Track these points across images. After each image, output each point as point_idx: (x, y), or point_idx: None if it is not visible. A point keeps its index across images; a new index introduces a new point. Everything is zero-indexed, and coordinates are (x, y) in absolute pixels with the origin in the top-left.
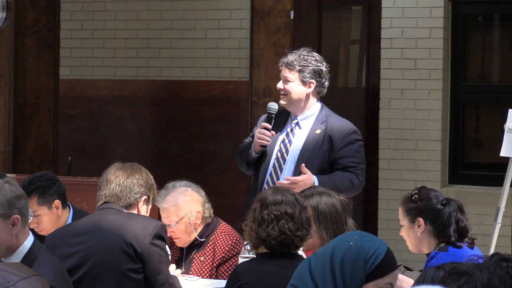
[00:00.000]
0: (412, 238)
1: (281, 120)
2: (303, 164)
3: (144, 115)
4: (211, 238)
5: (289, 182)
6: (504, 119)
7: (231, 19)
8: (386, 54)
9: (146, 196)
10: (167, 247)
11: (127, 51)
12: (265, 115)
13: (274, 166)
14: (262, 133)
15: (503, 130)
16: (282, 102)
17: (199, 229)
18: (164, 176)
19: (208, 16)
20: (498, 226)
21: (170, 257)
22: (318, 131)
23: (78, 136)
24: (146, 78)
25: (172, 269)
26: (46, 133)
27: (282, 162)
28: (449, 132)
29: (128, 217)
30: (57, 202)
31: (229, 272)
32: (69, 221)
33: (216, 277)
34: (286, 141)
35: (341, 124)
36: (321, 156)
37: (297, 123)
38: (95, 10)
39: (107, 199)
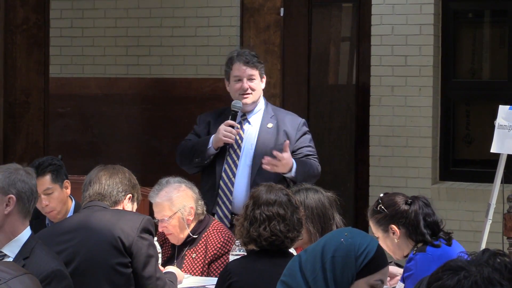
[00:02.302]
0: (391, 245)
1: (224, 118)
2: (287, 141)
3: (135, 113)
4: (203, 235)
5: (276, 157)
6: (494, 116)
7: (221, 16)
8: (377, 51)
9: (130, 194)
10: (157, 244)
11: (117, 49)
12: (203, 114)
13: (227, 162)
14: (229, 130)
15: (494, 126)
16: (247, 101)
17: (192, 225)
18: (155, 174)
19: (198, 14)
20: (489, 222)
21: (160, 254)
22: (270, 125)
23: (68, 134)
24: (136, 76)
25: (177, 270)
26: (36, 131)
27: (236, 158)
28: (440, 129)
29: (115, 213)
30: (66, 182)
31: (221, 269)
32: (71, 211)
33: (208, 274)
34: (237, 137)
35: (291, 117)
36: (279, 149)
37: (246, 119)
38: (84, 8)
39: (91, 198)
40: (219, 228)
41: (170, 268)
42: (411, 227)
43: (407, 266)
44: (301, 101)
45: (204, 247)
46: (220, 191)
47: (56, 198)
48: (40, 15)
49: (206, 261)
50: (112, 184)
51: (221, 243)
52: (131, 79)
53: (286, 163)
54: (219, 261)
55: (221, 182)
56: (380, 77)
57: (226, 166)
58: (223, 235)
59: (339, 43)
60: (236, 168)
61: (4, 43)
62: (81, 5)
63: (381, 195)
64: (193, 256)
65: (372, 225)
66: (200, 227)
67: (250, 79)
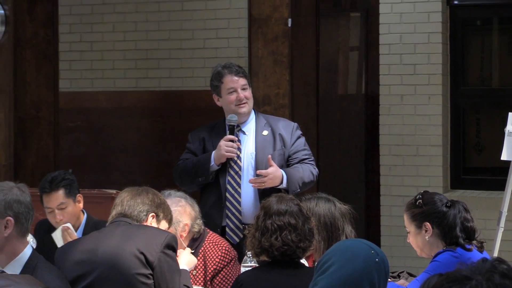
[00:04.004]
0: (420, 243)
1: (219, 131)
2: (270, 156)
3: (144, 126)
4: (200, 250)
5: (261, 176)
6: (504, 123)
7: (229, 28)
8: (385, 60)
9: (153, 213)
10: None
11: (126, 63)
12: (194, 131)
13: (230, 174)
14: (230, 145)
15: (504, 134)
16: (244, 110)
17: (185, 242)
18: (165, 186)
19: (206, 26)
20: (501, 230)
21: None
22: (265, 132)
23: (78, 148)
24: (145, 89)
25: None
26: (46, 146)
27: (237, 169)
28: (450, 137)
29: (140, 228)
30: (79, 196)
31: (224, 282)
32: (83, 224)
33: None
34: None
35: (284, 122)
36: (278, 154)
37: (240, 129)
38: (93, 23)
39: (113, 218)
40: (215, 241)
41: (182, 256)
42: (447, 229)
43: (435, 259)
44: (310, 112)
45: (202, 262)
46: (227, 203)
47: (69, 212)
48: (49, 30)
49: (208, 277)
50: (133, 205)
51: (219, 257)
52: (140, 92)
53: (273, 177)
54: (221, 274)
55: (227, 195)
56: (389, 86)
57: (229, 178)
58: (220, 247)
59: (347, 52)
60: (240, 179)
61: (14, 58)
62: (89, 20)
63: (422, 191)
64: (193, 273)
65: (406, 219)
66: (195, 243)
67: (243, 88)
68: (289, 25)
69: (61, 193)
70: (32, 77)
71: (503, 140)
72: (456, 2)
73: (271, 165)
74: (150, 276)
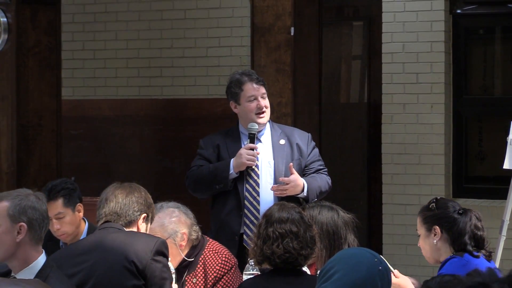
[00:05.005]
0: (428, 246)
1: (234, 138)
2: (291, 164)
3: (147, 134)
4: (200, 258)
5: (283, 184)
6: (507, 132)
7: (232, 36)
8: (388, 69)
9: (145, 214)
10: (170, 264)
11: (128, 71)
12: (207, 138)
13: (248, 182)
14: (251, 154)
15: (506, 142)
16: (263, 120)
17: (185, 251)
18: (167, 195)
19: (208, 34)
20: (503, 239)
21: (174, 274)
22: (282, 142)
23: (81, 156)
24: (148, 97)
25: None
26: (49, 153)
27: (256, 178)
28: (452, 146)
29: (129, 235)
30: (79, 206)
31: None
32: (85, 233)
33: None
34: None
35: (299, 132)
36: (296, 164)
37: (257, 138)
38: (96, 31)
39: (107, 217)
40: (215, 248)
41: None
42: (456, 235)
43: (442, 270)
44: (312, 120)
45: (203, 270)
46: (246, 211)
47: (67, 222)
48: (52, 38)
49: (208, 285)
50: (128, 203)
51: (219, 264)
52: (143, 100)
53: (295, 185)
54: (221, 282)
55: (246, 202)
56: (392, 95)
57: (247, 186)
58: (220, 255)
59: (350, 61)
60: (259, 187)
61: (17, 66)
62: (92, 28)
63: (438, 197)
64: (194, 281)
65: (418, 222)
66: (195, 251)
67: (263, 97)
68: (292, 34)
69: (59, 202)
70: (35, 85)
71: (505, 149)
72: (459, 11)
73: (292, 173)
74: (143, 287)
